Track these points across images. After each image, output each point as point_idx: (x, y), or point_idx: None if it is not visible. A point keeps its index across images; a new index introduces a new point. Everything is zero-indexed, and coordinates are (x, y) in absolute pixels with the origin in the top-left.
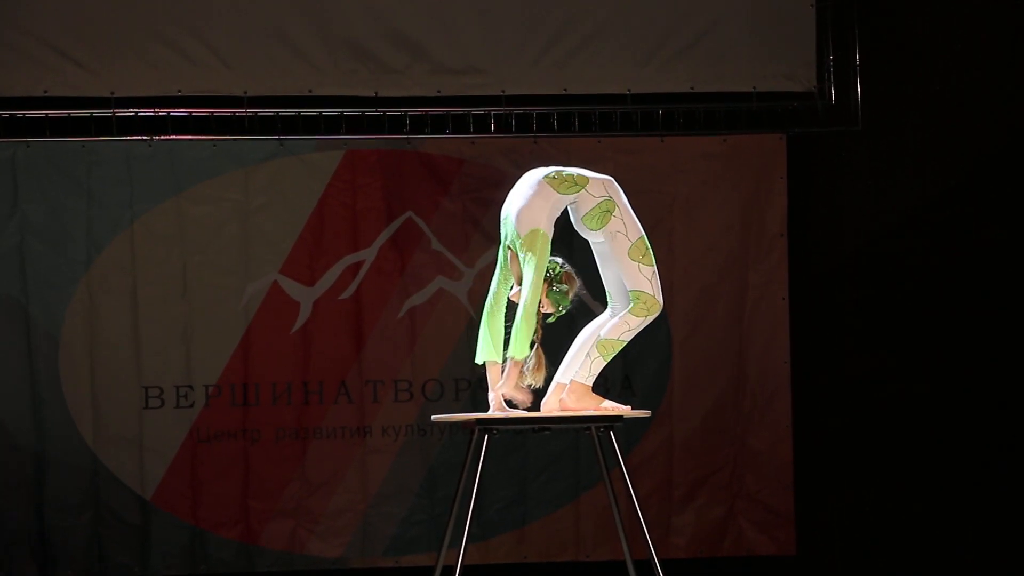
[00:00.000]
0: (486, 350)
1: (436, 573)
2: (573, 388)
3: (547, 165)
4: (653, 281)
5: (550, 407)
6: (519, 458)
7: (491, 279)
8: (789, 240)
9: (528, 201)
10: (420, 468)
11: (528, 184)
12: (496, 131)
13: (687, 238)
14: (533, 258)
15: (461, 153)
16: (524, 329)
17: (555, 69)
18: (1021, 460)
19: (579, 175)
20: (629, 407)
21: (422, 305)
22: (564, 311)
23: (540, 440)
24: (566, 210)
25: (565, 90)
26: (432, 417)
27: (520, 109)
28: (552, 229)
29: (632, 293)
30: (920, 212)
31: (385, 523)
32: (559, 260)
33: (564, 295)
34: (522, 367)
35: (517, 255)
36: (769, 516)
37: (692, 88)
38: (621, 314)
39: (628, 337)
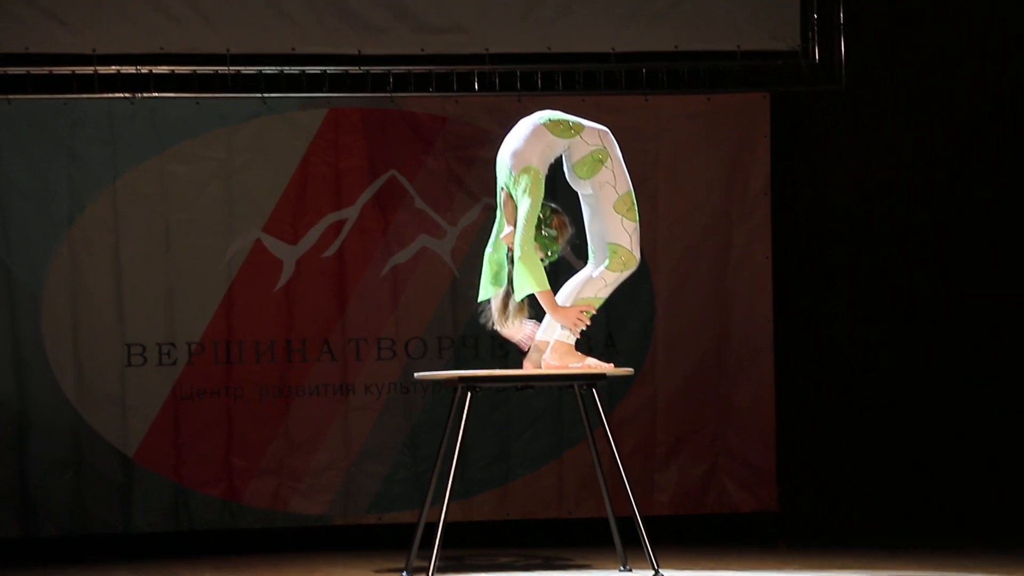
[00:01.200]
0: (487, 288)
1: (419, 530)
2: (556, 347)
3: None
4: (633, 237)
5: (533, 364)
6: (502, 416)
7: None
8: (773, 199)
9: (523, 142)
10: (403, 426)
11: (524, 127)
12: (480, 90)
13: (671, 197)
14: (526, 195)
15: (444, 111)
16: (529, 266)
17: (539, 28)
18: (1002, 418)
19: (576, 122)
20: (612, 365)
21: (405, 263)
22: (553, 257)
23: (523, 398)
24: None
25: (549, 49)
26: (415, 375)
27: (504, 68)
28: (546, 169)
29: (610, 246)
30: (903, 171)
31: (368, 481)
32: (552, 205)
33: (553, 240)
34: (519, 309)
35: (512, 197)
36: (751, 473)
37: (676, 47)
38: (598, 270)
39: (606, 293)
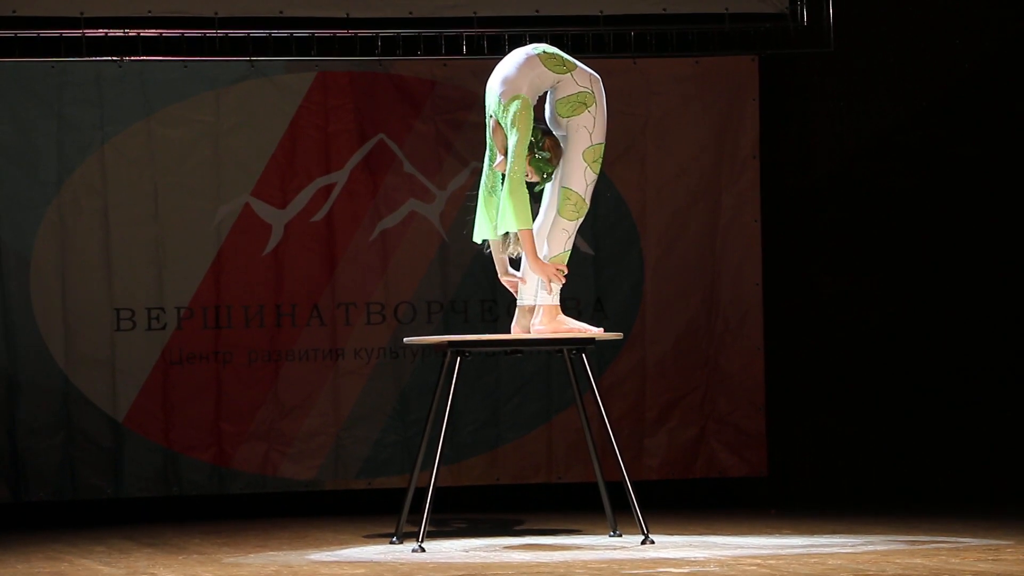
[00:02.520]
0: (485, 229)
1: (408, 495)
2: (545, 311)
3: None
4: (589, 188)
5: (522, 329)
6: (491, 380)
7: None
8: (761, 162)
9: (515, 70)
10: (393, 391)
11: (517, 55)
12: (468, 53)
13: (659, 160)
14: (514, 127)
15: (433, 75)
16: (517, 199)
17: None
18: (991, 381)
19: (569, 59)
20: (601, 329)
21: (394, 228)
22: (549, 180)
23: (512, 362)
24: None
25: (537, 11)
26: (404, 340)
27: (492, 31)
28: (535, 99)
29: (563, 191)
30: (892, 134)
31: (358, 445)
32: (543, 126)
33: (547, 162)
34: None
35: (500, 125)
36: (741, 438)
37: (664, 9)
38: (551, 220)
39: (571, 244)
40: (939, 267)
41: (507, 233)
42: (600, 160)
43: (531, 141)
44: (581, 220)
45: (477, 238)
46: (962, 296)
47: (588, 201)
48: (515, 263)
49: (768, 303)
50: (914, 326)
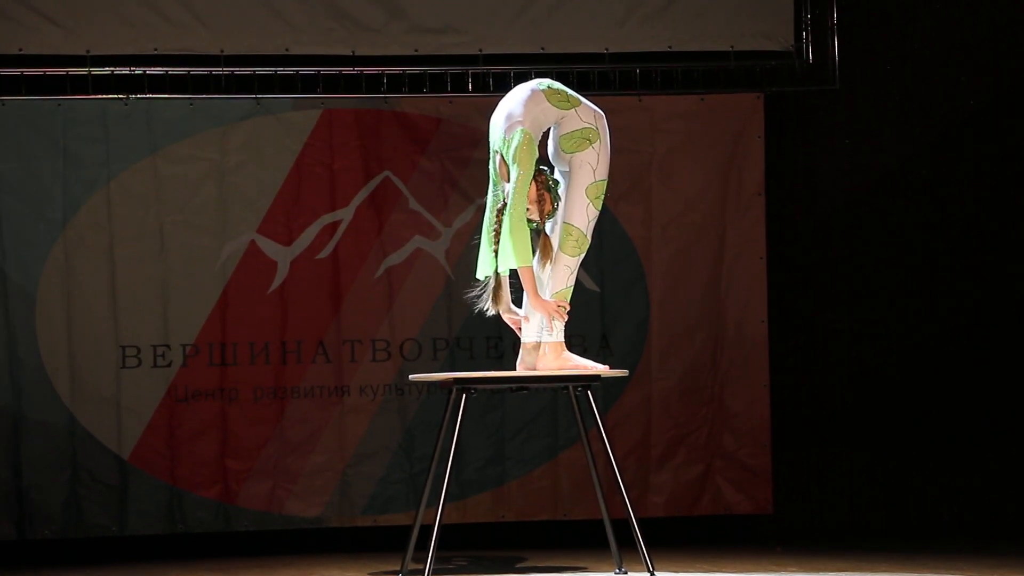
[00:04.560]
0: (487, 264)
1: (414, 532)
2: (550, 348)
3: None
4: (591, 224)
5: (527, 366)
6: (497, 417)
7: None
8: (767, 199)
9: (519, 105)
10: (398, 428)
11: (522, 91)
12: (473, 90)
13: (665, 197)
14: (516, 162)
15: (439, 112)
16: (517, 237)
17: (533, 28)
18: (997, 417)
19: (573, 95)
20: (607, 366)
21: (400, 265)
22: (552, 215)
23: (518, 399)
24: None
25: (542, 49)
26: (410, 376)
27: (498, 68)
28: (538, 135)
29: (565, 226)
30: (897, 171)
31: (363, 483)
32: (546, 169)
33: (557, 184)
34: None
35: (505, 160)
36: (746, 475)
37: (670, 47)
38: (555, 260)
39: (574, 280)
40: (945, 304)
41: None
42: (602, 196)
43: (544, 174)
44: (583, 256)
45: (480, 274)
46: (967, 332)
47: (589, 237)
48: (519, 301)
49: (773, 340)
50: (919, 362)
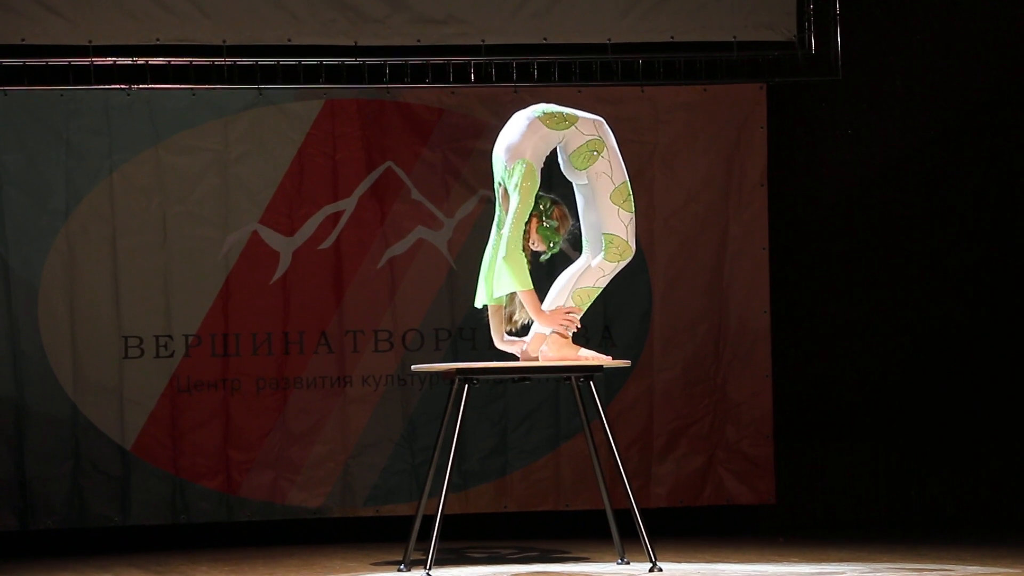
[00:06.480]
0: (485, 294)
1: (416, 522)
2: (553, 339)
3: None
4: (629, 227)
5: (530, 357)
6: (499, 408)
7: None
8: (769, 190)
9: (518, 136)
10: (400, 418)
11: (519, 121)
12: (476, 81)
13: (667, 188)
14: (517, 191)
15: (441, 103)
16: (513, 262)
17: (535, 18)
18: (1000, 408)
19: (569, 113)
20: (609, 357)
21: (402, 255)
22: (556, 249)
23: (520, 390)
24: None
25: (545, 39)
26: (412, 367)
27: (500, 59)
28: (540, 163)
29: (605, 236)
30: (900, 162)
31: (366, 473)
32: (552, 196)
33: (555, 231)
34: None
35: (508, 192)
36: (749, 466)
37: (672, 38)
38: (595, 260)
39: (603, 283)
40: (948, 295)
41: (511, 303)
42: (630, 198)
43: (540, 209)
44: (624, 263)
45: (478, 303)
46: (971, 324)
47: (632, 244)
48: (523, 331)
49: (776, 331)
50: (922, 353)
